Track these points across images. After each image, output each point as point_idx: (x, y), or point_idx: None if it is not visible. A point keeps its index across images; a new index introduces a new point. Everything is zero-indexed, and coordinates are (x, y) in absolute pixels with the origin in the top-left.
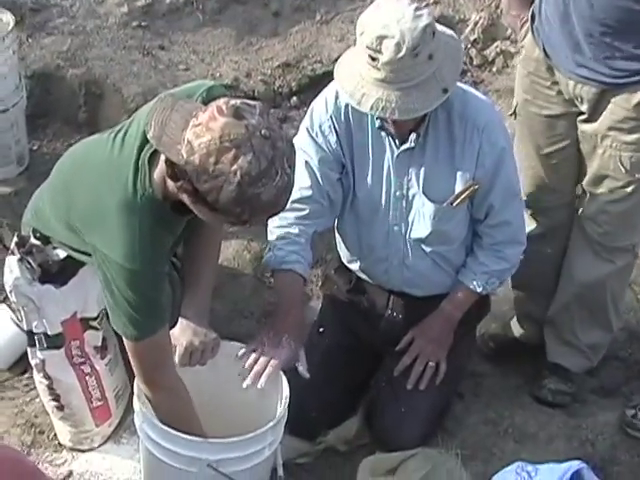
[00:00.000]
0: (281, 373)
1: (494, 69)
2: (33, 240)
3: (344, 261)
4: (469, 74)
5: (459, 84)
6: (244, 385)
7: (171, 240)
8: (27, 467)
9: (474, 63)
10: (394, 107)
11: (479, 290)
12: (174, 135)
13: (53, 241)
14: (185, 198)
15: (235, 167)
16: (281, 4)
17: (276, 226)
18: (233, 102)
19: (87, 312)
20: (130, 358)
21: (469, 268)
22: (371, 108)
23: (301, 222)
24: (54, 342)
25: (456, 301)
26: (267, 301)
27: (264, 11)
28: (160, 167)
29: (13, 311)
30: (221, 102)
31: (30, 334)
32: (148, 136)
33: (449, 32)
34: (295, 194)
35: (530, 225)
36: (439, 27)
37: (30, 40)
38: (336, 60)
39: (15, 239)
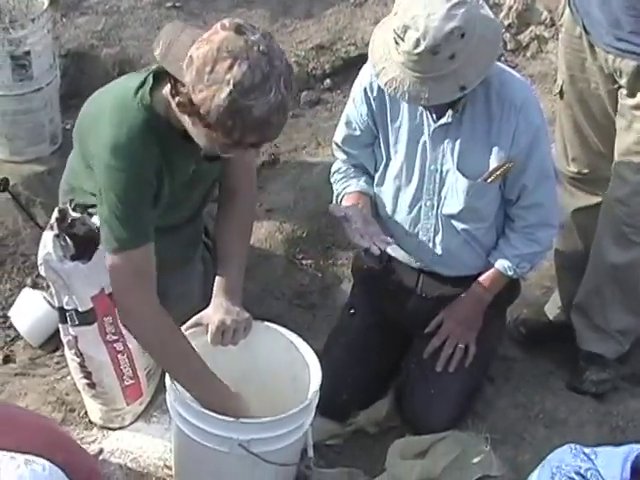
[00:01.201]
0: (315, 356)
1: (528, 54)
2: (72, 213)
3: None
4: (503, 58)
5: (498, 63)
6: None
7: (172, 171)
8: (62, 437)
9: (508, 47)
10: (405, 90)
11: (510, 273)
12: (179, 53)
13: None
14: (185, 118)
15: (229, 76)
16: None
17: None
18: (237, 20)
19: None
20: (110, 280)
21: (500, 250)
22: (385, 84)
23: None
24: (85, 318)
25: (486, 283)
26: (299, 282)
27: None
28: (165, 88)
29: (45, 288)
30: (226, 20)
31: (61, 311)
32: (155, 54)
33: (492, 25)
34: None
35: (580, 201)
36: (483, 12)
37: (64, 19)
38: (370, 43)
39: (56, 214)
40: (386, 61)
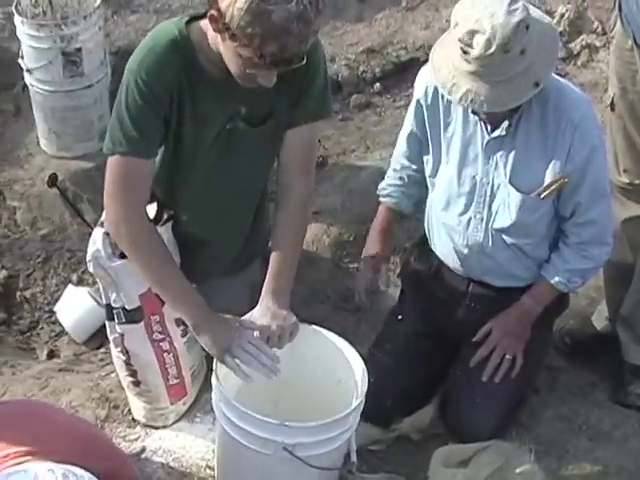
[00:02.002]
0: (361, 361)
1: (579, 62)
2: None
3: (429, 243)
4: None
5: (557, 77)
6: None
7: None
8: (102, 443)
9: (559, 56)
10: (483, 100)
11: (561, 287)
12: None
13: None
14: (217, 39)
15: None
16: None
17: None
18: None
19: None
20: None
21: (553, 264)
22: (460, 99)
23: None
24: (133, 316)
25: (537, 295)
26: (345, 286)
27: None
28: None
29: (91, 284)
30: None
31: (109, 308)
32: None
33: (546, 20)
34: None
35: (631, 211)
36: (536, 14)
37: (115, 17)
38: (420, 47)
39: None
40: (455, 77)
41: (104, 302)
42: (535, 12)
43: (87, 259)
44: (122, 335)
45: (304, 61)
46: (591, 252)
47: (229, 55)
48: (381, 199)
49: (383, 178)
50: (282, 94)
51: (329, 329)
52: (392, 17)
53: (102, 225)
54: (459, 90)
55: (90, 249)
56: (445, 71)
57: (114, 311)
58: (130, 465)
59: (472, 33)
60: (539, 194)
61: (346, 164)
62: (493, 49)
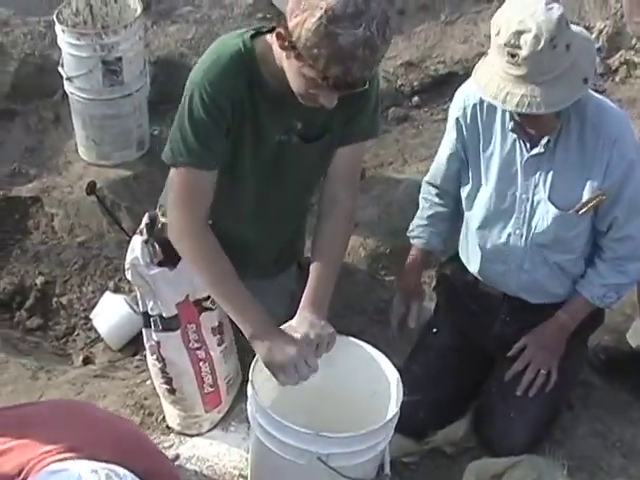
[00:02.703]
0: (396, 372)
1: (617, 78)
2: (162, 219)
3: (463, 261)
4: (590, 82)
5: (594, 94)
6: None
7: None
8: (143, 442)
9: (597, 72)
10: (539, 101)
11: (596, 302)
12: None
13: None
14: (282, 56)
15: (323, 3)
16: (406, 2)
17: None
18: None
19: (198, 293)
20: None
21: (588, 279)
22: (517, 105)
23: (436, 201)
24: (169, 324)
25: (572, 311)
26: (380, 298)
27: (388, 9)
28: (268, 35)
29: (127, 292)
30: None
31: (146, 315)
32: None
33: (577, 27)
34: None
35: None
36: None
37: (155, 27)
38: (459, 62)
39: (146, 220)
40: (505, 87)
41: (141, 310)
42: None
43: (125, 267)
44: (158, 343)
45: (367, 85)
46: (627, 267)
47: (293, 73)
48: (411, 240)
49: (419, 191)
50: (338, 112)
51: (365, 341)
52: (431, 31)
53: (141, 233)
54: (514, 98)
55: (128, 257)
56: (493, 85)
57: (151, 319)
58: (170, 465)
59: (518, 34)
60: (577, 210)
61: (384, 177)
62: (542, 44)
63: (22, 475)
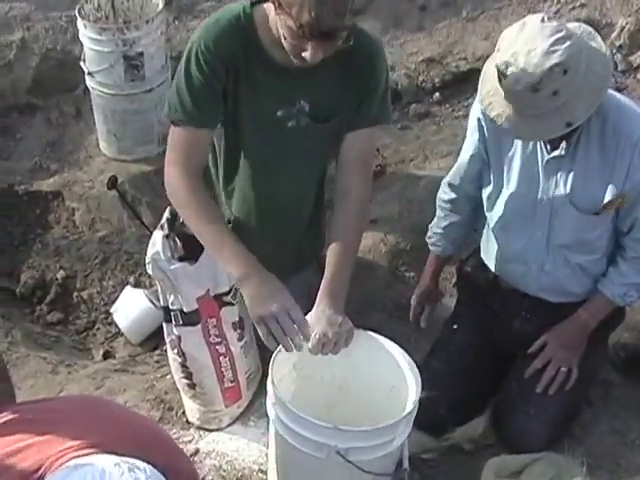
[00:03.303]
0: (415, 368)
1: (639, 76)
2: None
3: (484, 259)
4: (613, 80)
5: (616, 94)
6: None
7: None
8: (163, 439)
9: (619, 69)
10: (511, 127)
11: (617, 301)
12: None
13: None
14: (273, 13)
15: None
16: None
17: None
18: None
19: (219, 288)
20: None
21: (609, 278)
22: (493, 118)
23: (449, 209)
24: (190, 319)
25: (593, 309)
26: (401, 294)
27: (410, 5)
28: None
29: (147, 287)
30: None
31: (166, 310)
32: None
33: (599, 55)
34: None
35: None
36: (593, 44)
37: (177, 22)
38: (480, 58)
39: (167, 215)
40: (493, 96)
41: (162, 304)
42: (593, 45)
43: (146, 261)
44: (179, 337)
45: (348, 42)
46: None
47: (279, 27)
48: (429, 246)
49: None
50: (345, 95)
51: (384, 336)
52: (452, 27)
53: (162, 228)
54: (494, 109)
55: (149, 251)
56: (488, 86)
57: (172, 313)
58: (189, 461)
59: (507, 64)
60: (597, 213)
61: (404, 173)
62: (521, 87)
63: (40, 472)
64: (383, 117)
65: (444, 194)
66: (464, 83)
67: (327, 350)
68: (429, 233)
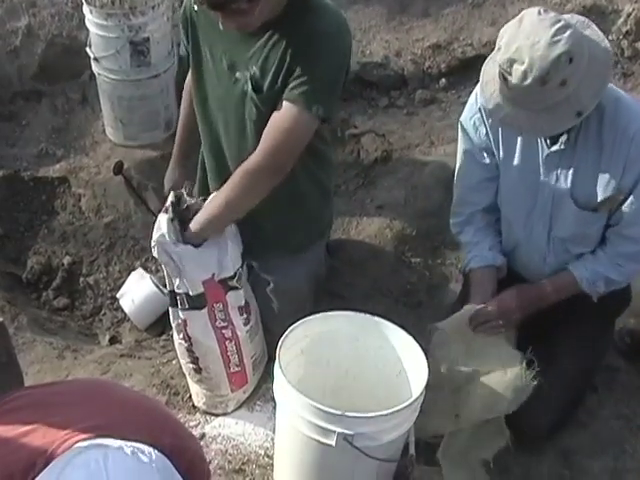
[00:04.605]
0: (422, 353)
1: None
2: (187, 198)
3: None
4: (619, 66)
5: (615, 88)
6: None
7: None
8: (168, 419)
9: (625, 55)
10: (521, 125)
11: (583, 285)
12: None
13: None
14: None
15: None
16: None
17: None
18: None
19: (223, 273)
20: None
21: (583, 262)
22: (500, 120)
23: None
24: (195, 303)
25: (557, 285)
26: (406, 280)
27: None
28: None
29: (154, 272)
30: None
31: (172, 294)
32: None
33: (598, 41)
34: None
35: None
36: (589, 32)
37: None
38: (486, 44)
39: (171, 198)
40: (497, 97)
41: (168, 288)
42: (589, 33)
43: (152, 244)
44: (185, 321)
45: (232, 5)
46: (625, 266)
47: None
48: (474, 264)
49: (445, 174)
50: (281, 69)
51: (391, 322)
52: (458, 13)
53: (166, 211)
54: (500, 111)
55: (155, 234)
56: (491, 88)
57: (177, 297)
58: (196, 441)
59: (511, 62)
60: (595, 209)
61: (410, 159)
62: (529, 81)
63: (47, 455)
64: (303, 100)
65: (455, 218)
66: (470, 69)
67: None
68: (463, 264)
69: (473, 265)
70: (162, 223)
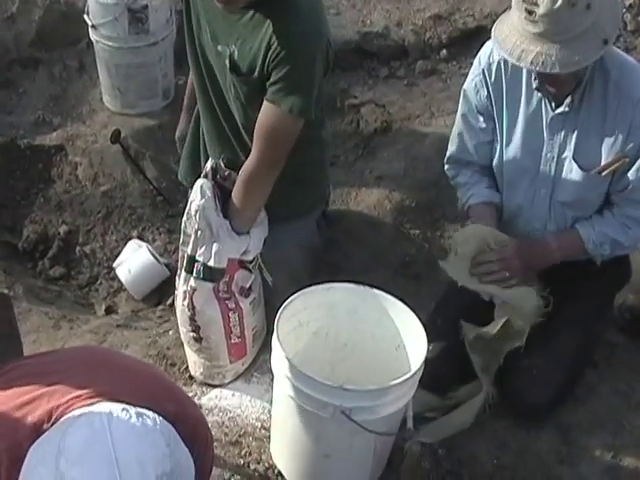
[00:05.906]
0: (421, 326)
1: None
2: (224, 167)
3: None
4: (622, 39)
5: (621, 52)
6: None
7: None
8: (171, 386)
9: (628, 29)
10: (554, 61)
11: (589, 246)
12: None
13: None
14: None
15: None
16: None
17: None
18: None
19: (245, 256)
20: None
21: (592, 222)
22: (531, 63)
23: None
24: (212, 275)
25: (563, 243)
26: (405, 251)
27: None
28: None
29: (150, 242)
30: None
31: (190, 260)
32: None
33: None
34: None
35: None
36: None
37: None
38: (488, 15)
39: (211, 164)
40: (522, 44)
41: (189, 253)
42: None
43: (193, 208)
44: (194, 289)
45: None
46: (633, 229)
47: None
48: (467, 208)
49: (446, 145)
50: (260, 56)
51: (390, 294)
52: None
53: (207, 177)
54: (529, 55)
55: (197, 199)
56: (511, 40)
57: (195, 264)
58: (196, 407)
59: None
60: (600, 172)
61: (410, 130)
62: (559, 3)
63: (52, 420)
64: (280, 100)
65: (450, 170)
66: (471, 40)
67: None
68: (461, 203)
69: (472, 202)
70: (207, 189)
